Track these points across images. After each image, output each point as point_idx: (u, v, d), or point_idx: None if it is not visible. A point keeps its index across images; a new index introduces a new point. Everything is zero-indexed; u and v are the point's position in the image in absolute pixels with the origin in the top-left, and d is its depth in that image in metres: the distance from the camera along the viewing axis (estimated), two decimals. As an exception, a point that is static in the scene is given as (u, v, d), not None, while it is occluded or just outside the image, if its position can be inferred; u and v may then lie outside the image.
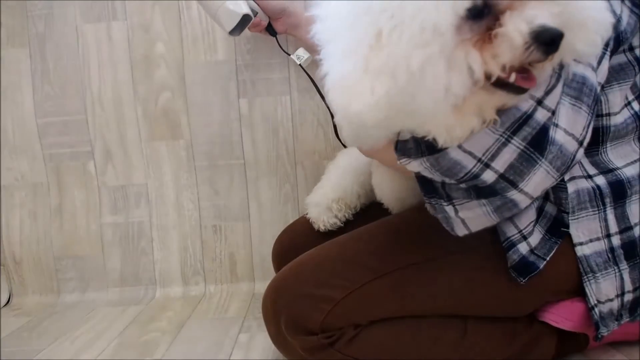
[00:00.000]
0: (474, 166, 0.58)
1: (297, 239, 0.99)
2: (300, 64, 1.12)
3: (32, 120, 1.30)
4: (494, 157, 0.58)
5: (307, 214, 1.00)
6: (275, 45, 1.14)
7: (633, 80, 0.71)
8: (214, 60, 1.25)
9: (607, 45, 0.63)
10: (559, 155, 0.59)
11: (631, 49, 0.69)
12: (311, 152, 1.26)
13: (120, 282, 1.33)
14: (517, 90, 0.52)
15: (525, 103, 0.56)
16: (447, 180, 0.62)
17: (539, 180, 0.59)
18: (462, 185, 0.62)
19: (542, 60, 0.50)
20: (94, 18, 1.25)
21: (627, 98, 0.72)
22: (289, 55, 1.14)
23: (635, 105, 0.72)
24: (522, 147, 0.57)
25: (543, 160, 0.58)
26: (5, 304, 1.34)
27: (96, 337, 1.06)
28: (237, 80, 1.25)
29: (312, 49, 1.11)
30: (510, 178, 0.58)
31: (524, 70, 0.51)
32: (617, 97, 0.70)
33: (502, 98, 0.53)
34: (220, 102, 1.26)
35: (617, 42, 0.66)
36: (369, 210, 0.98)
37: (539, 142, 0.57)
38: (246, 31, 1.15)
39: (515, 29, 0.48)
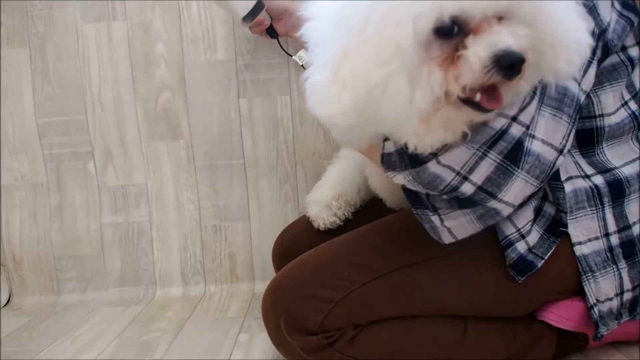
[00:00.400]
0: (453, 179, 0.59)
1: (297, 239, 0.99)
2: (302, 65, 1.12)
3: (32, 120, 1.30)
4: (472, 170, 0.59)
5: (307, 212, 1.00)
6: (276, 46, 1.15)
7: (626, 81, 0.71)
8: (214, 60, 1.25)
9: (594, 53, 0.64)
10: (536, 164, 0.60)
11: (624, 48, 0.69)
12: (311, 152, 1.26)
13: (120, 282, 1.33)
14: (483, 109, 0.53)
15: (499, 122, 0.58)
16: (430, 192, 0.63)
17: (517, 189, 0.60)
18: (445, 197, 0.63)
19: (506, 82, 0.50)
20: (94, 18, 1.25)
21: (623, 98, 0.72)
22: (291, 56, 1.14)
23: (632, 104, 0.72)
24: (498, 161, 0.59)
25: (519, 171, 0.59)
26: (5, 304, 1.34)
27: (96, 337, 1.06)
28: (237, 80, 1.25)
29: None
30: (489, 190, 0.60)
31: (490, 90, 0.52)
32: (609, 98, 0.70)
33: (469, 115, 0.54)
34: (220, 102, 1.26)
35: (605, 50, 0.66)
36: (368, 210, 0.98)
37: (514, 154, 0.59)
38: (246, 31, 1.16)
39: (475, 54, 0.49)
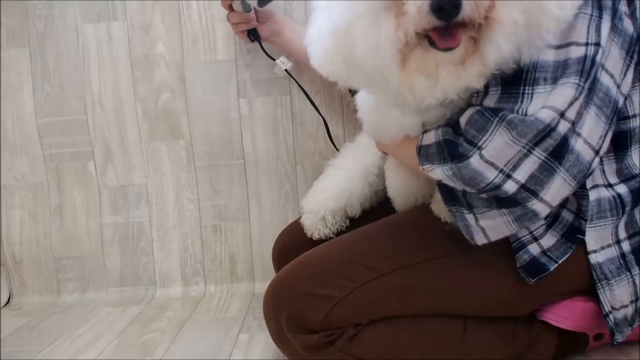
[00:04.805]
0: (496, 177, 0.59)
1: (297, 239, 0.98)
2: (286, 69, 1.12)
3: (32, 120, 1.30)
4: (515, 167, 0.59)
5: (301, 219, 0.98)
6: (276, 46, 1.14)
7: None
8: (214, 60, 1.25)
9: (632, 57, 0.64)
10: (575, 163, 0.59)
11: None
12: (311, 152, 1.26)
13: (120, 282, 1.33)
14: (440, 48, 0.56)
15: (547, 114, 0.57)
16: (468, 189, 0.62)
17: (556, 189, 0.60)
18: (483, 195, 0.62)
19: (441, 24, 0.53)
20: (94, 18, 1.25)
21: None
22: (274, 60, 1.14)
23: None
24: (543, 158, 0.58)
25: (561, 168, 0.59)
26: (5, 304, 1.33)
27: (96, 337, 1.06)
28: (237, 80, 1.25)
29: (293, 55, 1.12)
30: (531, 188, 0.59)
31: (445, 30, 0.54)
32: (638, 98, 0.69)
33: (437, 55, 0.56)
34: (220, 102, 1.26)
35: None
36: (368, 211, 0.98)
37: (559, 152, 0.58)
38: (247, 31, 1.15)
39: (414, 3, 0.53)
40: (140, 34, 1.25)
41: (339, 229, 0.95)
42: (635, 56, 0.64)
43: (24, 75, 1.28)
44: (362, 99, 0.76)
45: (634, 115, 0.70)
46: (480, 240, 0.66)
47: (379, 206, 0.97)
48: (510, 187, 0.59)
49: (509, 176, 0.59)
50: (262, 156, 1.27)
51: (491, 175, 0.59)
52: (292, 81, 1.24)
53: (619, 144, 0.70)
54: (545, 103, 0.58)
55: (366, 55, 0.57)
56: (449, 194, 0.66)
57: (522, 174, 0.59)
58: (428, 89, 0.59)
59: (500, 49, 0.55)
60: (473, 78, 0.58)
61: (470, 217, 0.65)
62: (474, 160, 0.59)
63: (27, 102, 1.29)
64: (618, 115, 0.63)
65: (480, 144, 0.59)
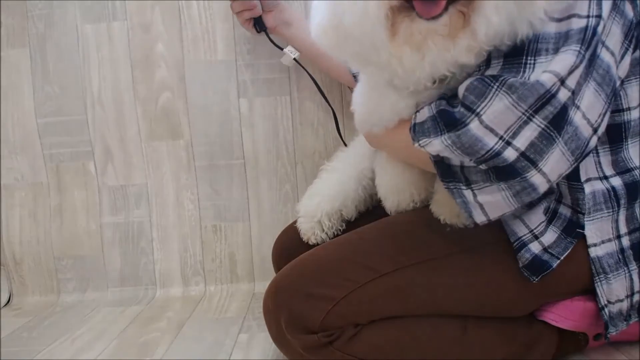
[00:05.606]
0: (496, 143, 0.59)
1: (297, 239, 0.98)
2: (295, 58, 1.11)
3: (32, 120, 1.30)
4: (515, 134, 0.58)
5: (297, 224, 0.97)
6: (282, 37, 1.14)
7: None
8: (214, 60, 1.25)
9: (630, 41, 0.64)
10: (574, 137, 0.59)
11: None
12: (311, 152, 1.26)
13: (120, 282, 1.33)
14: (424, 16, 0.56)
15: (549, 79, 0.57)
16: (466, 160, 0.62)
17: (555, 161, 0.59)
18: (482, 167, 0.61)
19: None
20: (94, 18, 1.25)
21: None
22: (282, 49, 1.13)
23: None
24: (542, 126, 0.58)
25: (560, 139, 0.59)
26: (5, 304, 1.34)
27: (96, 337, 1.06)
28: (237, 80, 1.25)
29: (300, 47, 1.12)
30: (531, 157, 0.59)
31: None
32: (635, 92, 0.69)
33: (422, 24, 0.57)
34: (220, 102, 1.26)
35: (637, 42, 0.66)
36: (369, 211, 0.98)
37: (559, 121, 0.58)
38: (246, 31, 1.15)
39: None
40: (140, 34, 1.25)
41: (335, 233, 0.94)
42: (634, 42, 0.64)
43: (24, 75, 1.29)
44: (358, 88, 0.77)
45: (628, 108, 0.70)
46: (479, 217, 0.65)
47: (374, 210, 0.97)
48: (510, 154, 0.58)
49: (508, 143, 0.58)
50: (262, 156, 1.27)
51: (491, 141, 0.59)
52: (291, 81, 1.24)
53: (614, 136, 0.70)
54: (546, 68, 0.57)
55: (355, 22, 0.58)
56: (445, 170, 0.65)
57: (521, 141, 0.58)
58: (416, 62, 0.59)
59: (490, 21, 0.55)
60: (462, 52, 0.58)
61: (468, 193, 0.64)
62: (474, 126, 0.59)
63: (27, 102, 1.29)
64: (615, 98, 0.63)
65: (479, 110, 0.59)
